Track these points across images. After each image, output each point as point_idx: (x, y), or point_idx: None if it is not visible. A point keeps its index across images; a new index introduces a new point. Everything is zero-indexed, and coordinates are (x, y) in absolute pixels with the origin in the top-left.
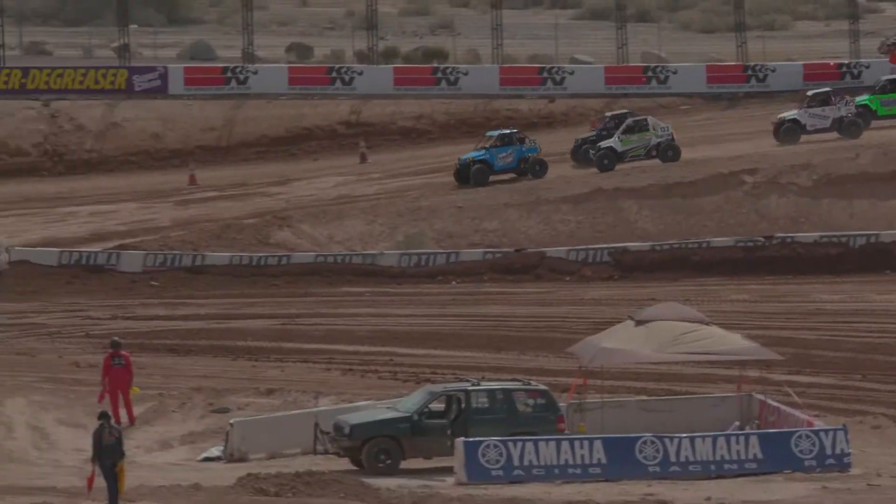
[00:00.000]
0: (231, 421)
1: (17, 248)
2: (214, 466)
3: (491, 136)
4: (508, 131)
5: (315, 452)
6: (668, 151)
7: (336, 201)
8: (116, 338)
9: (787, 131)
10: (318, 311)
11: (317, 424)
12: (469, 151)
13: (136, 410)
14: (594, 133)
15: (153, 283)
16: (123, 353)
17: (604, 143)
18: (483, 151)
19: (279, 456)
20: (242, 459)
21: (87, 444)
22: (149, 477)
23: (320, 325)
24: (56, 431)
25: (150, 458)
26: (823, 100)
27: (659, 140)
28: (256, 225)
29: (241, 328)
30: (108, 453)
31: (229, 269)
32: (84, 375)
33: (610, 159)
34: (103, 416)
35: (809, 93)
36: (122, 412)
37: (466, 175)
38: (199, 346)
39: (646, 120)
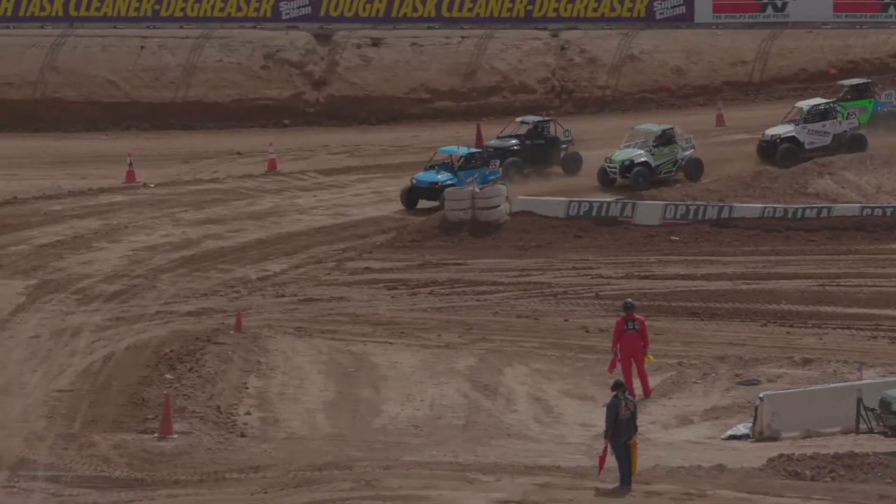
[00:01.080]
0: (760, 395)
1: (519, 197)
2: (740, 446)
3: None
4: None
5: (857, 431)
6: (692, 167)
7: None
8: (630, 299)
9: (786, 152)
10: (863, 271)
11: (860, 399)
12: None
13: (652, 381)
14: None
15: (673, 237)
16: (638, 316)
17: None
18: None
19: (815, 435)
20: (773, 438)
21: (594, 417)
22: (666, 456)
23: (865, 286)
24: (561, 404)
25: (667, 435)
26: (823, 113)
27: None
28: (792, 173)
29: (773, 289)
30: (623, 429)
31: (760, 223)
32: (593, 341)
33: (645, 177)
34: (618, 386)
35: (804, 105)
36: (636, 383)
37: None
38: (725, 309)
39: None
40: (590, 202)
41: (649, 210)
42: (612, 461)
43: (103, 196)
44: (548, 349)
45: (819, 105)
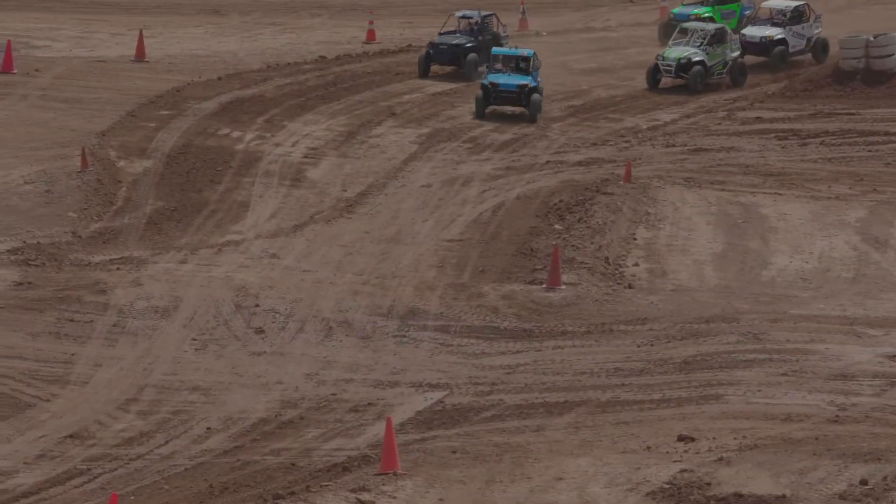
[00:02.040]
0: None
1: None
2: None
3: None
4: None
5: None
6: (737, 70)
7: None
8: None
9: (780, 54)
10: None
11: None
12: None
13: None
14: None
15: None
16: None
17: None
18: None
19: None
20: None
21: None
22: None
23: None
24: None
25: None
26: (800, 14)
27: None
28: None
29: None
30: None
31: None
32: None
33: (703, 77)
34: None
35: (780, 6)
36: None
37: None
38: None
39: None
40: None
41: None
42: None
43: None
44: None
45: (799, 6)
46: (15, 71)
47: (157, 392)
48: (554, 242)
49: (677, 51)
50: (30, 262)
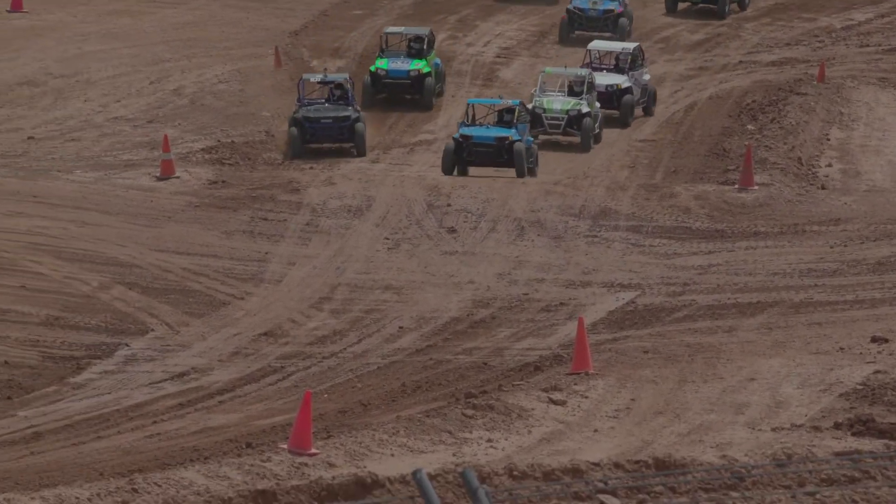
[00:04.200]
0: None
1: None
2: None
3: None
4: None
5: None
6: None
7: None
8: None
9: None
10: None
11: None
12: None
13: None
14: None
15: None
16: None
17: None
18: None
19: None
20: None
21: None
22: None
23: None
24: None
25: None
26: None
27: None
28: None
29: None
30: None
31: None
32: None
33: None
34: None
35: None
36: None
37: None
38: None
39: None
40: None
41: None
42: None
43: None
44: None
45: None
46: None
47: (349, 291)
48: (746, 142)
49: (558, 101)
50: (224, 161)
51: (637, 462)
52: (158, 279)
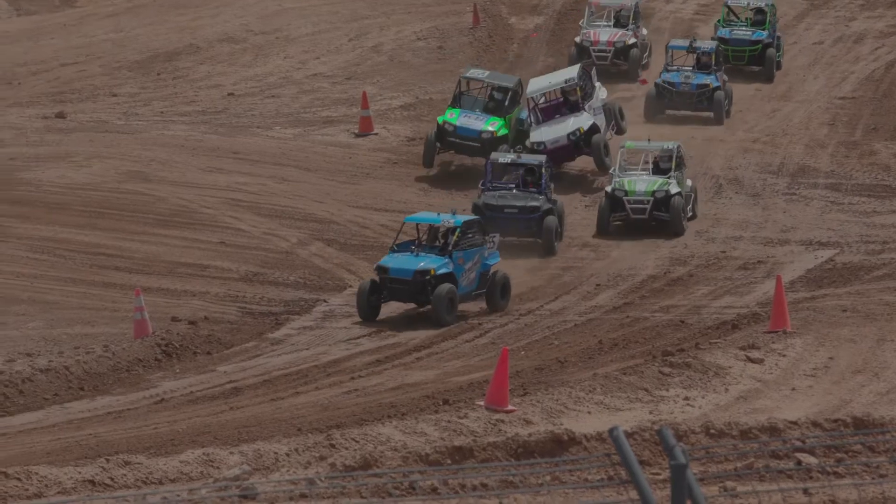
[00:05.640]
0: None
1: None
2: None
3: None
4: None
5: None
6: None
7: None
8: None
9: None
10: None
11: None
12: None
13: None
14: None
15: None
16: None
17: None
18: None
19: None
20: None
21: None
22: None
23: None
24: None
25: None
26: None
27: None
28: None
29: None
30: None
31: None
32: None
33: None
34: None
35: None
36: None
37: None
38: None
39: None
40: None
41: None
42: None
43: None
44: None
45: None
46: None
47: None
48: None
49: (642, 181)
50: (422, 118)
51: (835, 421)
52: (356, 235)
